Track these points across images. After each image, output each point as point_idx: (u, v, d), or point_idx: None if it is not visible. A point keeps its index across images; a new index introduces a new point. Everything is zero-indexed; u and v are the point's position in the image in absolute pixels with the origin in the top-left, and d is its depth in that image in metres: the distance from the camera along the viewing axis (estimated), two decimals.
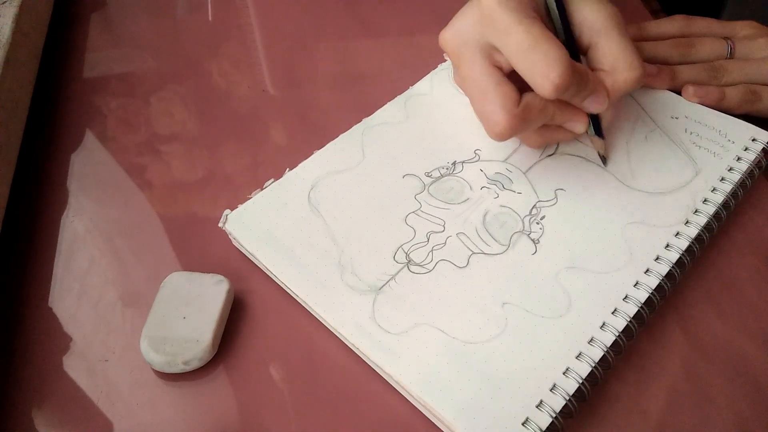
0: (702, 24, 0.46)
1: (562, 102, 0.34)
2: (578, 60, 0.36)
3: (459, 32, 0.34)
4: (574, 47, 0.36)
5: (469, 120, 0.41)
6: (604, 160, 0.38)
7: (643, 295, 0.31)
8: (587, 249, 0.34)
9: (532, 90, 0.33)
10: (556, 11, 0.35)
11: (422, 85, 0.43)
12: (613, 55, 0.35)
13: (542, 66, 0.31)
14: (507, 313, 0.31)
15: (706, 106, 0.41)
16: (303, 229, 0.35)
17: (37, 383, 0.31)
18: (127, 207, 0.39)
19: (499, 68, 0.34)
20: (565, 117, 0.35)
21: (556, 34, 0.34)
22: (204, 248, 0.36)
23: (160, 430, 0.29)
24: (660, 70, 0.42)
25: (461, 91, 0.38)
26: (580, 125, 0.36)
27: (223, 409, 0.30)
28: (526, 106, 0.33)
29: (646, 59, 0.44)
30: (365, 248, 0.34)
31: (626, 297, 0.31)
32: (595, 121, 0.37)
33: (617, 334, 0.30)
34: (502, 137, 0.34)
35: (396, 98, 0.42)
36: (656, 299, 0.32)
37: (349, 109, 0.44)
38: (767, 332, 0.33)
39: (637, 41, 0.45)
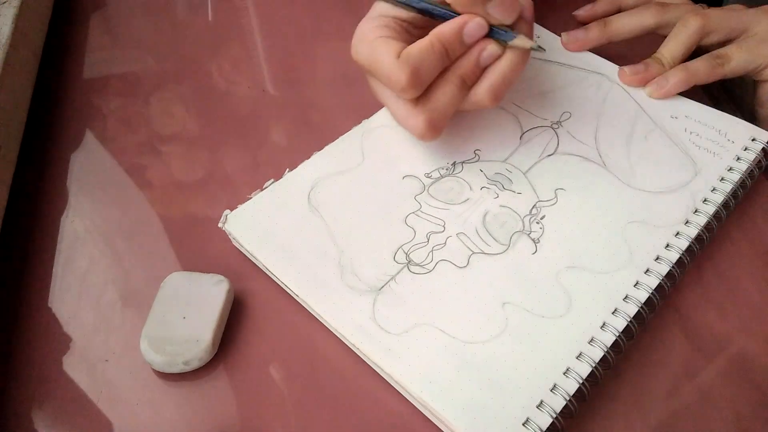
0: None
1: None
2: None
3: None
4: None
5: (468, 120, 0.41)
6: (539, 48, 0.35)
7: (643, 295, 0.31)
8: (587, 249, 0.34)
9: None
10: None
11: None
12: None
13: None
14: (507, 313, 0.31)
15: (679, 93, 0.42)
16: (303, 229, 0.35)
17: (37, 383, 0.31)
18: (127, 207, 0.39)
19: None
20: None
21: None
22: (204, 248, 0.36)
23: (160, 430, 0.29)
24: (647, 66, 0.42)
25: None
26: (492, 49, 0.34)
27: (223, 409, 0.30)
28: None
29: (617, 29, 0.44)
30: (365, 249, 0.34)
31: (626, 297, 0.31)
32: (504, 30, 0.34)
33: (617, 334, 0.30)
34: (429, 137, 0.35)
35: None
36: (656, 299, 0.32)
37: (349, 110, 0.44)
38: (767, 332, 0.33)
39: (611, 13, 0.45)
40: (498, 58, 0.34)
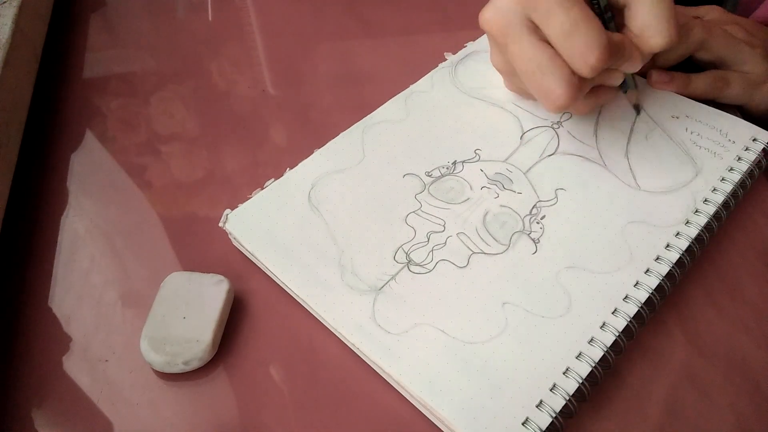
0: None
1: None
2: (610, 25, 0.36)
3: (501, 11, 0.35)
4: (607, 14, 0.36)
5: (469, 119, 0.41)
6: (638, 108, 0.41)
7: (643, 295, 0.31)
8: (587, 249, 0.34)
9: None
10: None
11: (423, 84, 0.43)
12: (644, 19, 0.35)
13: (581, 49, 0.32)
14: (507, 313, 0.31)
15: (674, 92, 0.42)
16: (303, 228, 0.35)
17: (37, 383, 0.31)
18: (127, 207, 0.39)
19: (547, 42, 0.34)
20: (604, 77, 0.37)
21: None
22: (204, 248, 0.36)
23: (160, 430, 0.29)
24: (672, 77, 0.42)
25: (497, 71, 0.40)
26: (617, 79, 0.37)
27: (223, 409, 0.30)
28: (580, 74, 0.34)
29: None
30: (365, 248, 0.34)
31: (626, 297, 0.31)
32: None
33: (617, 334, 0.30)
34: (563, 108, 0.35)
35: (396, 96, 0.42)
36: (656, 299, 0.32)
37: (349, 109, 0.44)
38: (767, 332, 0.33)
39: None
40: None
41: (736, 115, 0.41)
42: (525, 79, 0.35)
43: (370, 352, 0.30)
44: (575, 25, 0.32)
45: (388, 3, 0.54)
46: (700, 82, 0.42)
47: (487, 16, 0.35)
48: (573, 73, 0.33)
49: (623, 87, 0.39)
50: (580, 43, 0.32)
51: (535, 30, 0.34)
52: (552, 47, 0.34)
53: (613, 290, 0.32)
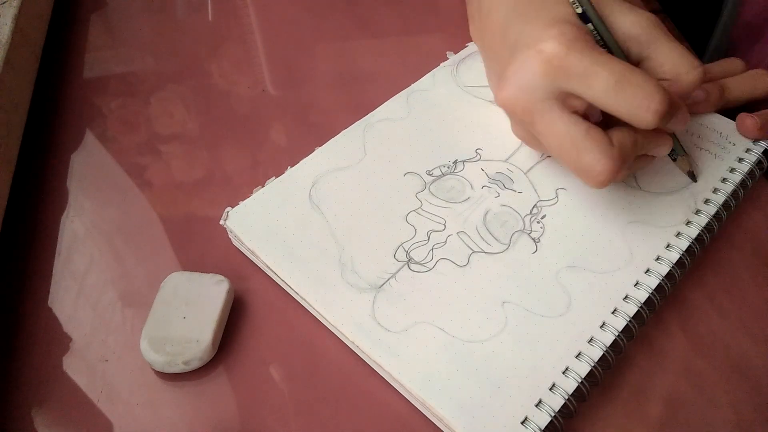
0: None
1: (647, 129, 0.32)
2: None
3: (523, 89, 0.31)
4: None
5: (470, 118, 0.41)
6: (693, 176, 0.37)
7: (643, 295, 0.31)
8: (588, 248, 0.34)
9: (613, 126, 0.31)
10: (607, 36, 0.33)
11: (424, 82, 0.43)
12: (672, 62, 0.33)
13: (640, 98, 0.29)
14: (507, 312, 0.31)
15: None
16: (304, 226, 0.35)
17: (37, 383, 0.31)
18: (127, 207, 0.39)
19: (577, 113, 0.31)
20: (650, 143, 0.33)
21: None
22: (204, 248, 0.36)
23: (160, 430, 0.29)
24: (708, 93, 0.40)
25: (522, 142, 0.37)
26: (665, 147, 0.34)
27: (223, 409, 0.30)
28: (620, 145, 0.31)
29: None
30: (366, 246, 0.34)
31: (626, 297, 0.31)
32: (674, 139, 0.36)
33: (617, 334, 0.30)
34: (606, 184, 0.31)
35: (398, 94, 0.42)
36: (656, 299, 0.32)
37: (349, 110, 0.43)
38: (767, 332, 0.33)
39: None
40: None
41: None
42: (558, 156, 0.32)
43: (369, 350, 0.30)
44: (623, 77, 0.29)
45: (388, 3, 0.54)
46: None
47: (508, 95, 0.32)
48: (611, 145, 0.30)
49: (672, 155, 0.36)
50: (636, 92, 0.28)
51: (566, 103, 0.31)
52: (585, 121, 0.31)
53: (613, 290, 0.32)
